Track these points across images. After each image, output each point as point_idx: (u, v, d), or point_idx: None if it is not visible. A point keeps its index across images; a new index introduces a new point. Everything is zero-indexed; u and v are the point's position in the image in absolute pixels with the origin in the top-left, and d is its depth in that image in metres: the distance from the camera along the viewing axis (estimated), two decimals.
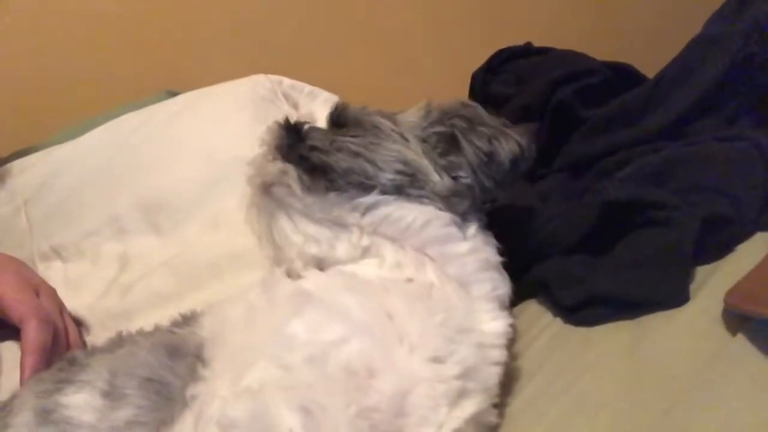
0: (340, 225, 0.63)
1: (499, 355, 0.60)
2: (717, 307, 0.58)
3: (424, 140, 0.67)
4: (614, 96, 0.88)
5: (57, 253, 1.02)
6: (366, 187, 0.63)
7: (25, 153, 1.20)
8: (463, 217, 0.65)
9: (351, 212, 0.63)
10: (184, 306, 0.70)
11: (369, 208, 0.63)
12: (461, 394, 0.55)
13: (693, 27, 0.97)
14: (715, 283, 0.63)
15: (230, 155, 1.04)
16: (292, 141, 0.67)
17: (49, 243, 1.03)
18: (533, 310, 0.74)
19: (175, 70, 1.51)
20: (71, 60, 1.44)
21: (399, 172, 0.63)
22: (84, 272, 0.98)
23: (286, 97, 1.23)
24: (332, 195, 0.63)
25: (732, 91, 0.79)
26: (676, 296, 0.63)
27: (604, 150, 0.80)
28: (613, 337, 0.64)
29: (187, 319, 0.65)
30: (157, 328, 0.65)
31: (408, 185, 0.64)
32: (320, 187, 0.63)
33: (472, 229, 0.65)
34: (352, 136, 0.65)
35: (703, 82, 0.78)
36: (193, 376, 0.56)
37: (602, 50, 1.03)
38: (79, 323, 0.91)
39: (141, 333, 0.65)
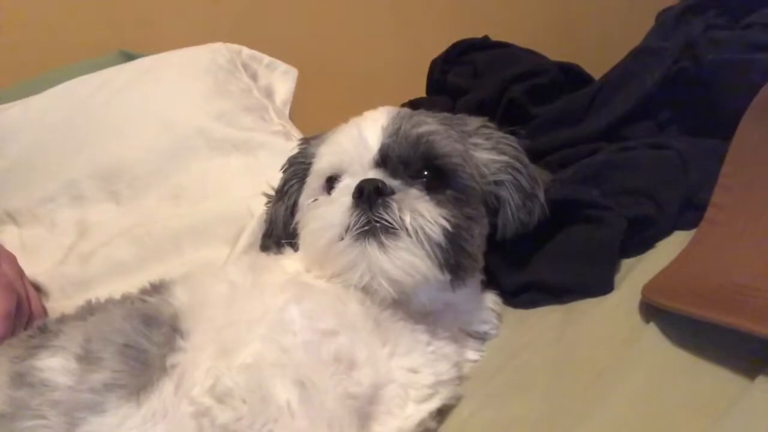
0: None
1: (469, 371, 0.68)
2: (636, 296, 0.66)
3: (485, 198, 0.70)
4: (562, 94, 0.94)
5: (11, 217, 1.02)
6: None
7: None
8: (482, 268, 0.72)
9: None
10: (145, 277, 0.71)
11: None
12: (430, 397, 0.61)
13: (640, 31, 1.04)
14: (636, 275, 0.71)
15: (189, 126, 1.05)
16: (449, 238, 0.62)
17: (3, 207, 1.02)
18: None
19: (128, 29, 1.48)
20: (19, 16, 1.38)
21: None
22: (40, 238, 0.98)
23: (245, 67, 1.23)
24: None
25: (664, 100, 0.86)
26: (602, 285, 0.71)
27: (548, 147, 0.86)
28: (546, 319, 0.72)
29: (157, 288, 0.67)
30: (126, 296, 0.67)
31: None
32: (449, 286, 0.66)
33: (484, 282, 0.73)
34: (470, 219, 0.66)
35: (641, 90, 0.86)
36: (171, 346, 0.59)
37: (554, 47, 1.10)
38: (37, 289, 0.92)
39: (111, 301, 0.66)
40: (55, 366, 0.57)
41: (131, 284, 0.71)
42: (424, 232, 0.61)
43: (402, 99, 1.18)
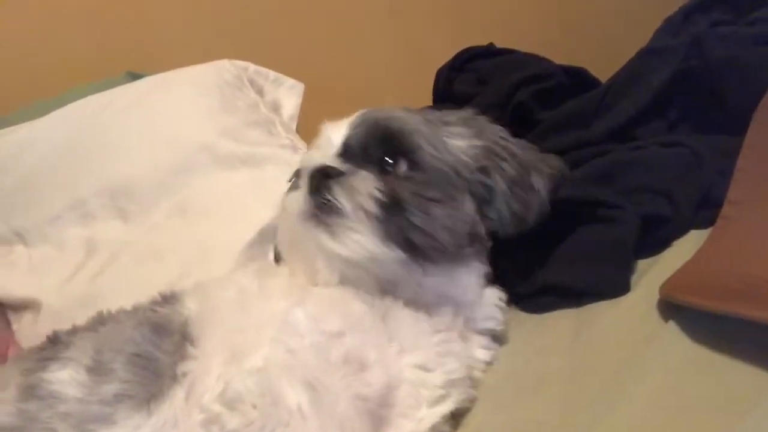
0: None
1: (481, 375, 0.65)
2: (653, 296, 0.64)
3: (470, 187, 0.67)
4: (569, 98, 0.93)
5: (19, 236, 1.02)
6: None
7: None
8: (483, 262, 0.70)
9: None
10: (153, 294, 0.70)
11: (433, 274, 0.65)
12: (442, 398, 0.60)
13: (644, 35, 1.04)
14: (652, 275, 0.69)
15: (195, 142, 1.06)
16: (390, 213, 0.61)
17: (10, 227, 1.02)
18: None
19: (135, 50, 1.49)
20: (29, 38, 1.40)
21: (466, 239, 0.66)
22: (49, 257, 0.98)
23: (252, 83, 1.24)
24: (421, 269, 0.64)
25: (673, 100, 0.85)
26: (617, 287, 0.69)
27: (557, 150, 0.85)
28: (560, 323, 0.70)
29: (168, 299, 0.67)
30: (137, 307, 0.67)
31: (467, 246, 0.67)
32: (416, 266, 0.63)
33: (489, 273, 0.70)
34: (436, 201, 0.63)
35: (649, 91, 0.85)
36: (182, 354, 0.58)
37: (560, 52, 1.09)
38: (41, 306, 0.92)
39: (123, 311, 0.66)
40: (65, 378, 0.57)
41: (139, 302, 0.70)
42: (362, 207, 0.60)
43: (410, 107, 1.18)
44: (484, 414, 0.62)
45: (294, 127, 1.24)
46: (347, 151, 0.65)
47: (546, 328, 0.70)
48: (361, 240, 0.60)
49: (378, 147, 0.65)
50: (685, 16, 0.93)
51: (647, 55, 0.87)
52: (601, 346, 0.64)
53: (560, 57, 1.06)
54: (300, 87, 1.29)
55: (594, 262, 0.71)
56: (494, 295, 0.71)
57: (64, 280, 0.94)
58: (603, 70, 1.00)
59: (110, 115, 1.13)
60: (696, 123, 0.85)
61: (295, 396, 0.52)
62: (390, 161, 0.64)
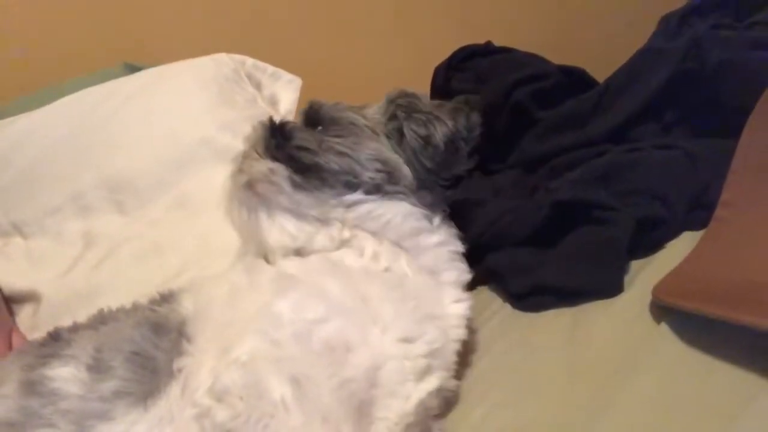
0: (323, 220, 0.68)
1: (460, 333, 0.66)
2: (646, 297, 0.66)
3: (388, 136, 0.73)
4: (566, 98, 0.94)
5: (17, 229, 1.02)
6: (351, 185, 0.68)
7: None
8: (431, 210, 0.71)
9: (336, 208, 0.67)
10: (151, 288, 0.71)
11: (353, 205, 0.68)
12: (427, 371, 0.61)
13: (642, 35, 1.04)
14: (646, 276, 0.71)
15: (194, 136, 1.05)
16: (279, 141, 0.70)
17: (9, 219, 1.02)
18: (485, 296, 0.80)
19: (132, 41, 1.48)
20: (27, 29, 1.39)
21: (378, 171, 0.69)
22: (47, 249, 0.98)
23: (249, 77, 1.24)
24: (319, 193, 0.67)
25: (670, 102, 0.86)
26: (611, 287, 0.70)
27: (554, 150, 0.86)
28: (555, 322, 0.71)
29: (166, 298, 0.67)
30: (136, 306, 0.67)
31: (385, 182, 0.69)
32: (310, 185, 0.67)
33: (438, 221, 0.71)
34: (336, 136, 0.69)
35: (646, 92, 0.85)
36: (178, 351, 0.59)
37: (557, 52, 1.10)
38: (40, 299, 0.92)
39: (122, 310, 0.67)
40: (65, 375, 0.58)
41: (137, 296, 0.70)
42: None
43: None
44: (481, 414, 0.63)
45: None
46: None
47: (541, 327, 0.71)
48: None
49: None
50: (682, 18, 0.94)
51: (645, 56, 0.88)
52: (597, 346, 0.65)
53: (558, 56, 1.07)
54: (297, 82, 1.28)
55: (589, 262, 0.72)
56: (449, 243, 0.71)
57: (62, 272, 0.94)
58: (601, 70, 1.01)
59: (109, 108, 1.12)
60: (692, 125, 0.86)
61: (279, 388, 0.53)
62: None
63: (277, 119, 0.74)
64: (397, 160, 0.71)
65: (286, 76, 1.28)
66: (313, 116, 0.74)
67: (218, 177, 1.00)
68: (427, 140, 0.71)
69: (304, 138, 0.69)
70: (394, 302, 0.62)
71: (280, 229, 0.68)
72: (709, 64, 0.80)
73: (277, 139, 0.70)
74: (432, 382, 0.61)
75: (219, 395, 0.54)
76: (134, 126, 1.08)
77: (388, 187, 0.69)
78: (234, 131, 1.07)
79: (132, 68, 1.31)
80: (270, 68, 1.28)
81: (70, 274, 0.93)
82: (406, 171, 0.71)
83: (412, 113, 0.73)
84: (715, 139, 0.80)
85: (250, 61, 1.26)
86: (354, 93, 1.55)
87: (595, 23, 1.65)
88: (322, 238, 0.67)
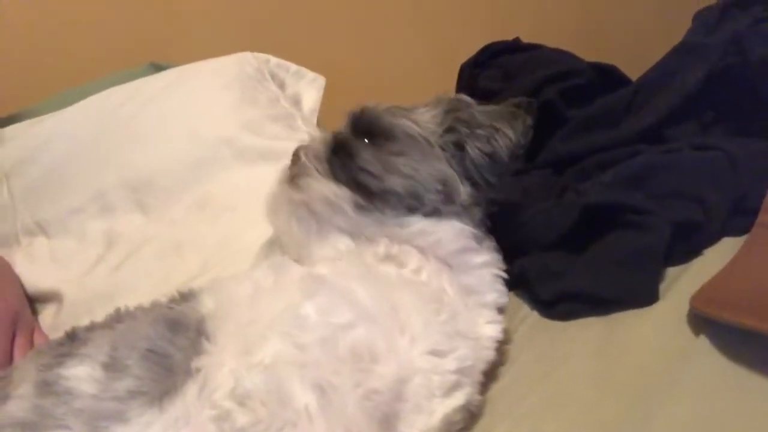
0: (372, 240, 0.66)
1: (490, 354, 0.64)
2: (684, 307, 0.62)
3: (442, 148, 0.70)
4: (597, 97, 0.90)
5: (42, 228, 1.02)
6: (412, 208, 0.66)
7: (6, 123, 1.19)
8: (480, 228, 0.70)
9: (393, 228, 0.66)
10: (172, 288, 0.70)
11: (409, 225, 0.66)
12: (455, 387, 0.59)
13: (677, 30, 1.00)
14: (683, 284, 0.67)
15: (216, 136, 1.05)
16: (342, 160, 0.68)
17: (34, 218, 1.03)
18: (512, 302, 0.77)
19: (158, 42, 1.49)
20: (54, 30, 1.41)
21: (438, 191, 0.67)
22: (70, 249, 0.98)
23: (273, 76, 1.23)
24: (380, 215, 0.66)
25: (708, 100, 0.82)
26: (646, 296, 0.67)
27: (584, 150, 0.83)
28: (586, 331, 0.68)
29: (186, 297, 0.66)
30: (155, 304, 0.66)
31: (443, 202, 0.67)
32: (372, 209, 0.66)
33: (486, 241, 0.70)
34: (398, 154, 0.68)
35: (682, 90, 0.81)
36: (196, 349, 0.57)
37: (588, 49, 1.06)
38: (63, 299, 0.92)
39: (140, 308, 0.66)
40: (81, 375, 0.57)
41: (157, 296, 0.69)
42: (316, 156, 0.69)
43: None
44: (504, 429, 0.60)
45: (314, 121, 1.23)
46: None
47: (570, 336, 0.68)
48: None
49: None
50: (722, 11, 0.90)
51: (682, 52, 0.84)
52: (629, 359, 0.62)
53: (589, 53, 1.03)
54: (321, 80, 1.27)
55: (622, 269, 0.68)
56: (494, 265, 0.69)
57: (84, 272, 0.94)
58: (634, 68, 0.97)
59: (132, 108, 1.12)
60: (731, 125, 0.82)
61: (303, 396, 0.52)
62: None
63: (330, 134, 0.73)
64: (454, 177, 0.69)
65: (310, 74, 1.27)
66: (365, 125, 0.70)
67: (240, 177, 1.01)
68: (492, 156, 0.70)
69: (368, 160, 0.67)
70: (427, 314, 0.61)
71: (332, 246, 0.67)
72: (751, 60, 0.76)
73: (339, 158, 0.68)
74: (459, 398, 0.59)
75: (240, 399, 0.53)
76: (157, 126, 1.08)
77: (444, 207, 0.68)
78: (256, 131, 1.06)
79: (157, 68, 1.31)
80: (293, 67, 1.27)
81: (92, 274, 0.93)
82: (461, 188, 0.69)
83: (475, 129, 0.71)
84: (756, 139, 0.76)
85: (273, 60, 1.25)
86: (378, 90, 1.54)
87: (626, 18, 1.60)
88: (370, 254, 0.66)
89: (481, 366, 0.63)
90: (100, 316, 0.68)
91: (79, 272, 0.94)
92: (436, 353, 0.59)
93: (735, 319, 0.54)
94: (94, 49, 1.44)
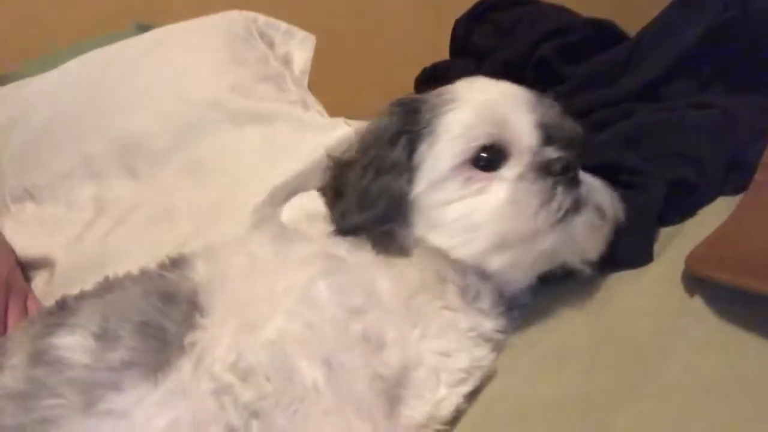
0: None
1: (492, 356, 0.63)
2: (678, 268, 0.61)
3: None
4: (595, 54, 0.88)
5: (30, 194, 1.01)
6: None
7: None
8: None
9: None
10: (162, 255, 0.69)
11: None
12: (464, 381, 0.59)
13: None
14: (677, 244, 0.66)
15: (205, 98, 1.03)
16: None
17: (22, 184, 1.02)
18: None
19: (144, 2, 1.46)
20: None
21: None
22: (59, 215, 0.97)
23: (262, 35, 1.20)
24: None
25: (708, 56, 0.80)
26: (640, 256, 0.66)
27: (581, 109, 0.81)
28: (579, 293, 0.67)
29: (177, 263, 0.64)
30: (145, 272, 0.65)
31: None
32: None
33: None
34: None
35: (681, 46, 0.79)
36: (190, 323, 0.57)
37: (586, 3, 1.03)
38: (54, 265, 0.92)
39: (129, 277, 0.64)
40: (72, 344, 0.56)
41: (149, 261, 0.67)
42: (603, 208, 0.62)
43: (425, 62, 1.13)
44: (500, 386, 0.60)
45: (305, 81, 1.20)
46: (551, 140, 0.64)
47: (564, 298, 0.67)
48: (602, 241, 0.63)
49: (579, 146, 0.66)
50: None
51: (680, 6, 0.81)
52: (625, 320, 0.61)
53: (586, 8, 1.00)
54: (312, 40, 1.24)
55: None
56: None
57: (74, 238, 0.94)
58: (632, 23, 0.94)
59: (119, 70, 1.10)
60: (732, 81, 0.80)
61: (310, 371, 0.51)
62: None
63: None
64: None
65: (300, 33, 1.24)
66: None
67: (229, 140, 0.99)
68: None
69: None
70: (442, 317, 0.60)
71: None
72: (752, 11, 0.73)
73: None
74: (468, 386, 0.59)
75: (243, 374, 0.52)
76: (143, 88, 1.06)
77: None
78: (245, 92, 1.04)
79: (144, 28, 1.28)
80: (284, 26, 1.24)
81: (83, 241, 0.93)
82: None
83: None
84: (756, 95, 0.74)
85: (262, 18, 1.22)
86: (369, 50, 1.51)
87: None
88: None
89: (493, 356, 0.62)
90: (91, 283, 0.67)
91: (69, 238, 0.93)
92: (446, 354, 0.58)
93: (730, 278, 0.53)
94: (80, 11, 1.41)
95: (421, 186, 0.63)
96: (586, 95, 0.83)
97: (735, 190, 0.68)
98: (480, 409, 0.59)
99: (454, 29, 1.06)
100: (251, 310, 0.57)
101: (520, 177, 0.61)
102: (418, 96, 0.69)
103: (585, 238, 0.61)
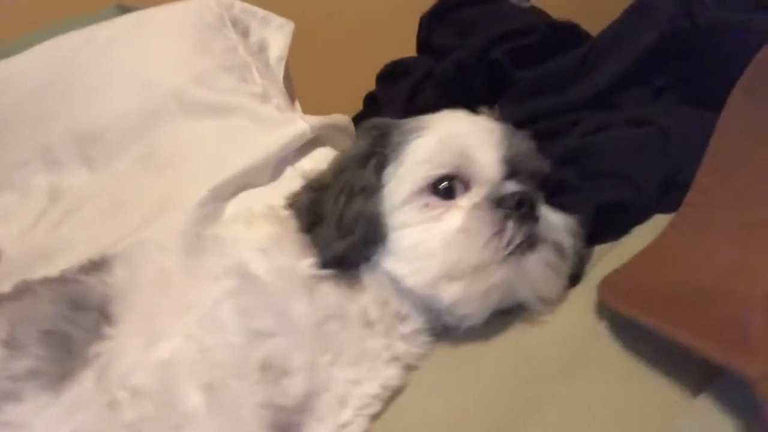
0: None
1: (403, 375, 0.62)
2: (593, 291, 0.60)
3: None
4: (551, 56, 0.85)
5: None
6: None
7: None
8: None
9: None
10: (109, 244, 0.69)
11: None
12: (371, 404, 0.58)
13: None
14: (607, 263, 0.64)
15: (166, 87, 1.01)
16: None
17: None
18: None
19: None
20: None
21: None
22: (13, 204, 0.97)
23: (236, 22, 1.17)
24: None
25: (659, 65, 0.77)
26: None
27: (529, 115, 0.79)
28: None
29: (96, 266, 0.64)
30: (62, 276, 0.64)
31: None
32: None
33: None
34: None
35: (633, 53, 0.77)
36: (97, 333, 0.56)
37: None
38: (1, 255, 0.92)
39: (43, 282, 0.64)
40: None
41: (94, 254, 0.68)
42: (562, 246, 0.61)
43: (404, 52, 1.10)
44: (407, 401, 0.60)
45: (282, 68, 1.18)
46: (515, 173, 0.63)
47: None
48: (559, 283, 0.61)
49: (539, 178, 0.66)
50: None
51: (634, 12, 0.78)
52: (537, 342, 0.60)
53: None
54: (289, 26, 1.21)
55: None
56: None
57: (26, 228, 0.94)
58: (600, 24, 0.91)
59: (87, 55, 1.09)
60: (683, 92, 0.77)
61: (192, 397, 0.51)
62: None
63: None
64: None
65: (277, 20, 1.21)
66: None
67: (184, 132, 0.98)
68: None
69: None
70: (358, 341, 0.59)
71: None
72: (700, 24, 0.70)
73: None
74: (374, 409, 0.58)
75: (133, 392, 0.52)
76: (109, 75, 1.05)
77: None
78: (206, 83, 1.02)
79: (124, 10, 1.26)
80: (260, 12, 1.21)
81: (33, 231, 0.93)
82: None
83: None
84: (705, 109, 0.71)
85: (239, 4, 1.19)
86: (349, 38, 1.48)
87: None
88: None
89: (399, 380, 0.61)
90: (39, 274, 0.67)
91: (20, 228, 0.93)
92: (357, 382, 0.58)
93: (631, 313, 0.52)
94: None
95: (384, 208, 0.62)
96: (537, 101, 0.81)
97: (673, 208, 0.66)
98: (380, 427, 0.58)
99: (419, 27, 1.03)
100: (156, 324, 0.56)
101: (475, 207, 0.59)
102: (392, 120, 0.68)
103: (540, 276, 0.59)
